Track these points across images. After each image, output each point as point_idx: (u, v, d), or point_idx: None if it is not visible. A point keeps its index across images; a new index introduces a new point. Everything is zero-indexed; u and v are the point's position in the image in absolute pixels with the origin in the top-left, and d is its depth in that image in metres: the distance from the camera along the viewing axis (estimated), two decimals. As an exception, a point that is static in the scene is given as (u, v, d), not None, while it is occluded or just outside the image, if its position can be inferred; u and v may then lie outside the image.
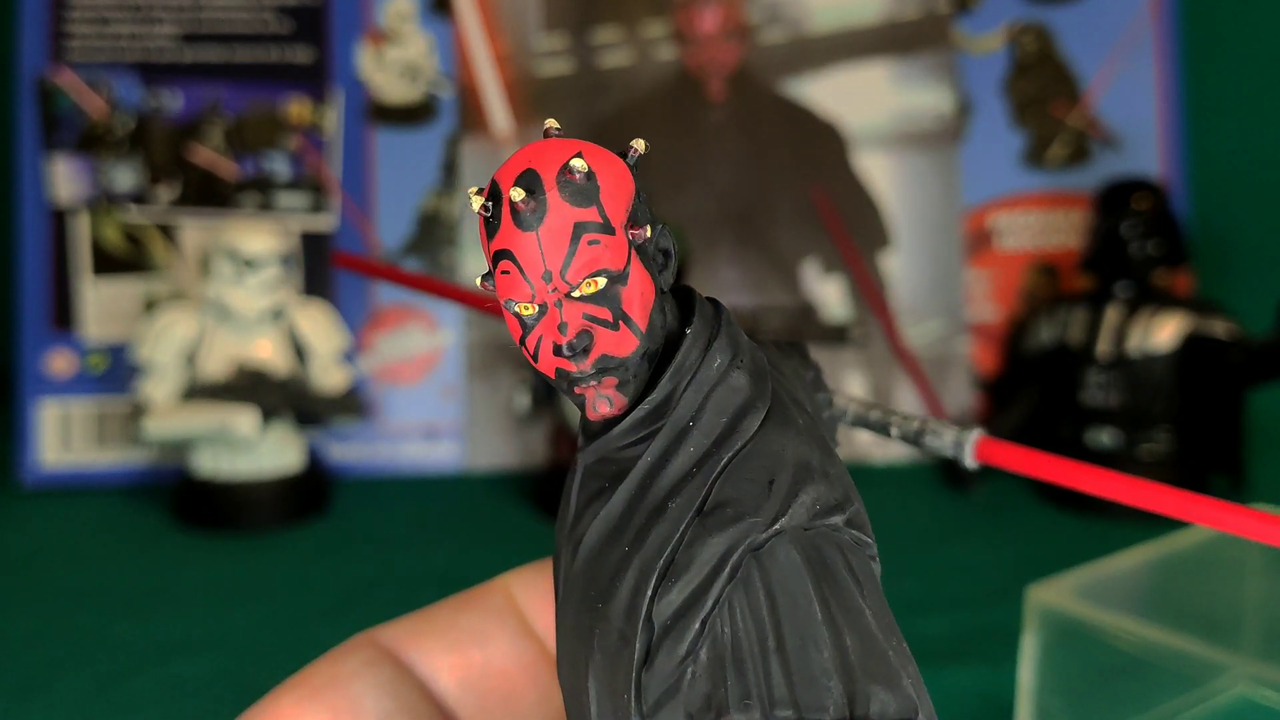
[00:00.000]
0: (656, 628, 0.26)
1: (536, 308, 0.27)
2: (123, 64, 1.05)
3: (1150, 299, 0.94)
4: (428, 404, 1.05)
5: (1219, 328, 0.91)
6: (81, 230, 1.03)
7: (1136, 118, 1.10)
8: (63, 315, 1.03)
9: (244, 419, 0.89)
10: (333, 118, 1.06)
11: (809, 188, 1.07)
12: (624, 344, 0.28)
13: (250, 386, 0.91)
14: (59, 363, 1.02)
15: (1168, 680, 0.57)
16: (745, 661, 0.25)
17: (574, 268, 0.27)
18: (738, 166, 1.08)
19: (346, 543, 0.88)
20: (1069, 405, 0.95)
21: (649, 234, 0.28)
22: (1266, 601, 0.64)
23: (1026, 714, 0.54)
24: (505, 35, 1.09)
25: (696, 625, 0.26)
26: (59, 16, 1.04)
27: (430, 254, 1.07)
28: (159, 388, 0.91)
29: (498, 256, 0.27)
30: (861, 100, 1.08)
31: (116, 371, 1.01)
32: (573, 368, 0.28)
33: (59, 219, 1.03)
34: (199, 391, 0.91)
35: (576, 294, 0.27)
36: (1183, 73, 1.10)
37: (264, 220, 1.01)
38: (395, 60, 1.08)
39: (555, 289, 0.27)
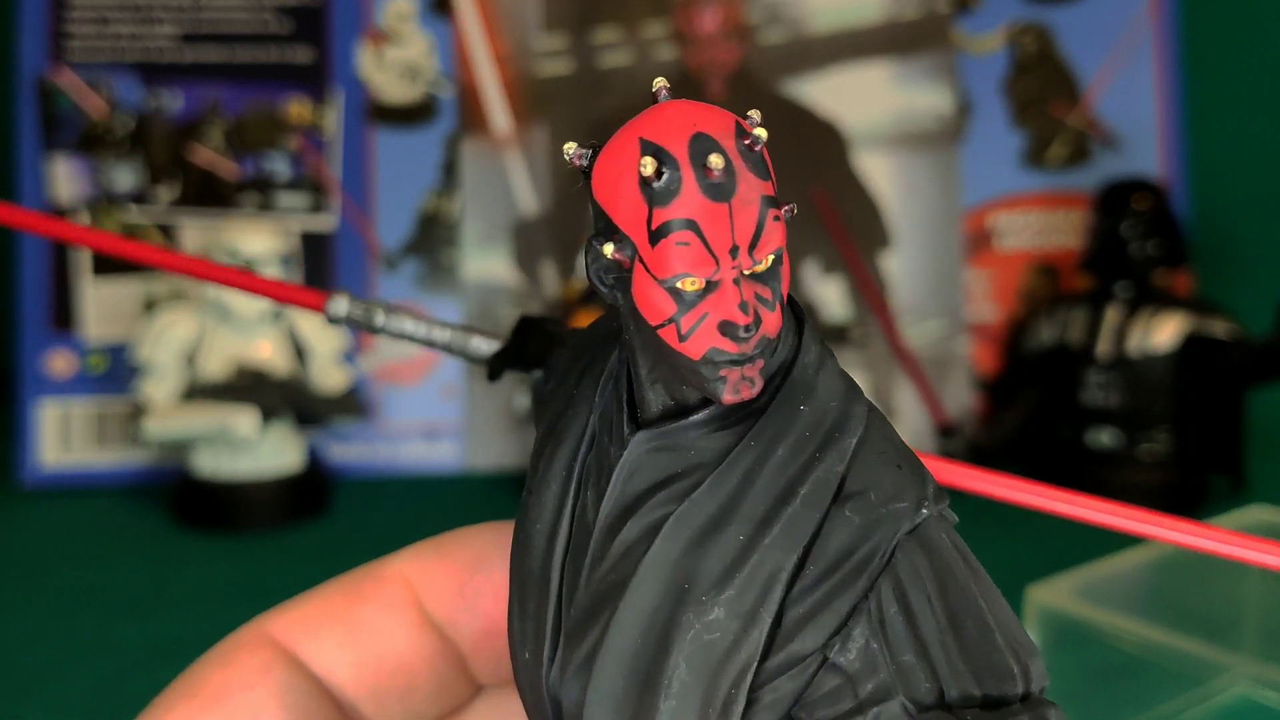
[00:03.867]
0: (787, 620, 0.26)
1: (704, 284, 0.26)
2: (123, 64, 1.05)
3: (1150, 299, 0.94)
4: (428, 404, 1.05)
5: (1219, 328, 0.91)
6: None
7: (1136, 118, 1.10)
8: (63, 315, 1.03)
9: (244, 419, 0.89)
10: (333, 118, 1.06)
11: (809, 188, 1.07)
12: (775, 324, 0.26)
13: (250, 387, 0.91)
14: (59, 363, 1.02)
15: (1168, 680, 0.57)
16: (908, 645, 0.25)
17: (761, 244, 0.26)
18: (738, 166, 1.08)
19: (346, 543, 0.88)
20: (1069, 405, 0.95)
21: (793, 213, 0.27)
22: (1266, 601, 0.64)
23: (1026, 714, 0.54)
24: (505, 35, 1.09)
25: (846, 610, 0.26)
26: (59, 16, 1.04)
27: (430, 254, 1.06)
28: (159, 388, 0.91)
29: (672, 226, 0.25)
30: (861, 100, 1.08)
31: (116, 371, 1.01)
32: (736, 349, 0.26)
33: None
34: (199, 392, 0.91)
35: (749, 272, 0.26)
36: (1183, 73, 1.10)
37: (264, 220, 1.01)
38: (395, 60, 1.08)
39: (737, 265, 0.25)
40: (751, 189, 0.25)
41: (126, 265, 1.04)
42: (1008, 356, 1.06)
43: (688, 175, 0.25)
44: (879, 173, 1.08)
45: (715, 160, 0.25)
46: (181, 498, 0.92)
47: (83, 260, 1.03)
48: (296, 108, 1.06)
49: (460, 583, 0.35)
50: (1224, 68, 1.15)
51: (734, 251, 0.25)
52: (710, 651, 0.26)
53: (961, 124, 1.09)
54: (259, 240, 0.90)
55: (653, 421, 0.28)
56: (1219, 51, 1.15)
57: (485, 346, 0.44)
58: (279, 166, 1.05)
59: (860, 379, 1.04)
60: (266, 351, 0.92)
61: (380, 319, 0.44)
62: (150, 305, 1.03)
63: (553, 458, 0.29)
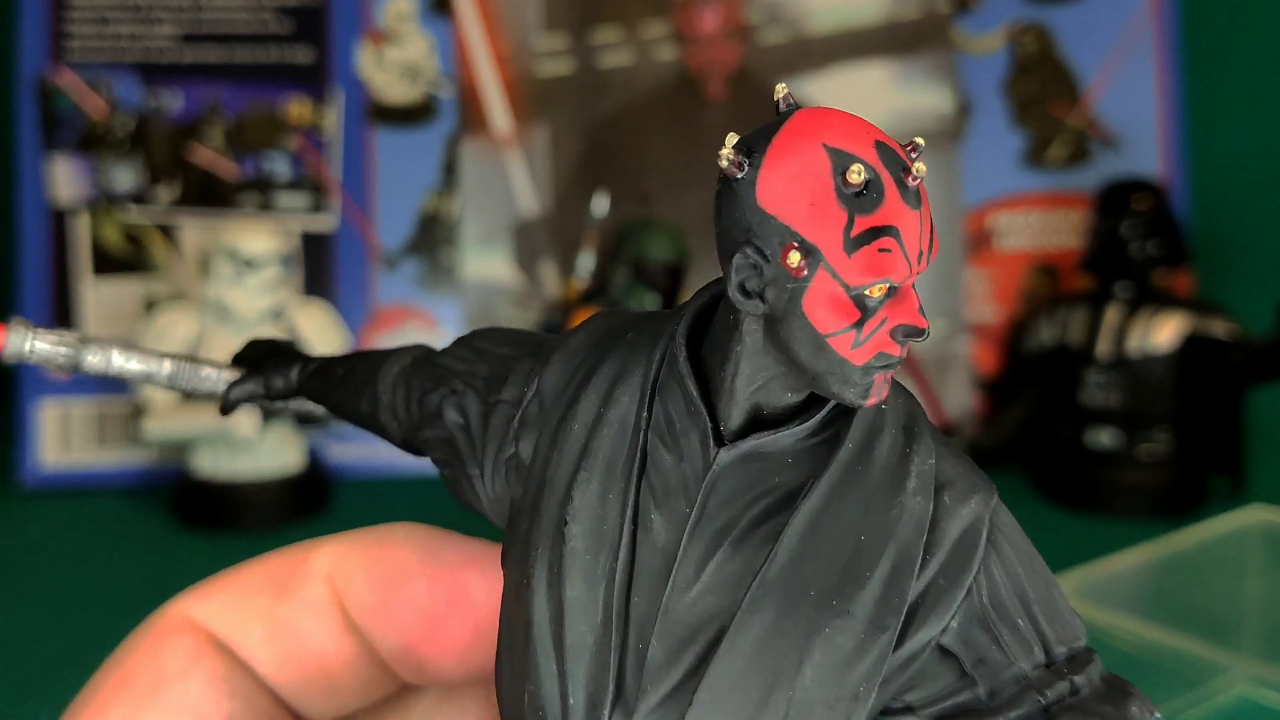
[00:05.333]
0: (915, 609, 0.26)
1: (886, 289, 0.25)
2: (123, 64, 1.05)
3: (1150, 299, 0.94)
4: (428, 404, 1.05)
5: (1219, 328, 0.91)
6: (81, 230, 1.03)
7: (1136, 118, 1.10)
8: (63, 315, 1.03)
9: (244, 419, 0.89)
10: (333, 118, 1.06)
11: (809, 188, 1.07)
12: None
13: (250, 386, 0.91)
14: (59, 363, 1.02)
15: (1168, 680, 0.57)
16: (1014, 617, 0.27)
17: (934, 249, 0.26)
18: (738, 166, 1.08)
19: (346, 543, 0.88)
20: (1069, 405, 0.95)
21: None
22: (1266, 601, 0.64)
23: (1026, 714, 0.54)
24: (505, 35, 1.09)
25: (961, 595, 0.27)
26: (59, 16, 1.04)
27: (430, 254, 1.06)
28: (159, 388, 0.91)
29: (877, 233, 0.25)
30: (861, 100, 1.08)
31: (116, 371, 1.01)
32: (899, 352, 0.26)
33: (59, 219, 1.03)
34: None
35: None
36: (1183, 73, 1.10)
37: (264, 220, 1.01)
38: (395, 60, 1.08)
39: (919, 270, 0.26)
40: (927, 197, 0.26)
41: (126, 265, 1.04)
42: (1008, 356, 1.06)
43: (889, 182, 0.25)
44: (879, 173, 1.08)
45: (920, 168, 0.25)
46: (181, 498, 0.92)
47: (83, 260, 1.03)
48: (296, 108, 1.06)
49: (383, 595, 0.34)
50: (1224, 68, 1.15)
51: (920, 256, 0.25)
52: (838, 654, 0.26)
53: (961, 124, 1.09)
54: (259, 240, 0.90)
55: (738, 434, 0.27)
56: (1219, 51, 1.15)
57: (217, 377, 0.39)
58: (279, 166, 1.05)
59: (860, 379, 1.04)
60: (266, 351, 0.92)
61: (78, 354, 0.37)
62: (150, 305, 1.03)
63: (589, 481, 0.28)
